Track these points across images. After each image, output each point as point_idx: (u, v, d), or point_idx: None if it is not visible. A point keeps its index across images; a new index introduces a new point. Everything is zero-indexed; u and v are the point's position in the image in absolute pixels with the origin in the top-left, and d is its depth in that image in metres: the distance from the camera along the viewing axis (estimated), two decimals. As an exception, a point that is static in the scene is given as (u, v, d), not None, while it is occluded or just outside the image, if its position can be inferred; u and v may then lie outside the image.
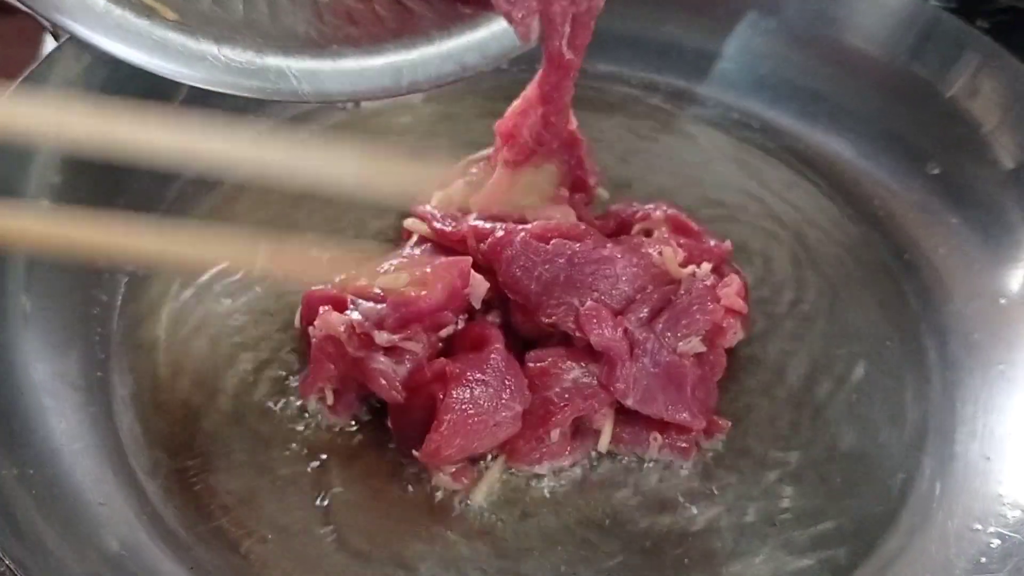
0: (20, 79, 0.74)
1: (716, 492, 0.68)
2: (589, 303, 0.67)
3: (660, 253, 0.72)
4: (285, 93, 0.56)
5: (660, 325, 0.68)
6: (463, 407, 0.64)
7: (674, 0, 0.98)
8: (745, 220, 0.86)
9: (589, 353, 0.68)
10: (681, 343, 0.68)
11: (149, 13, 0.53)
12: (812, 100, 0.95)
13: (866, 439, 0.71)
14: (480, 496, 0.67)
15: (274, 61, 0.55)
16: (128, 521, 0.63)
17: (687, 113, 0.96)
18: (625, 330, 0.67)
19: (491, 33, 0.60)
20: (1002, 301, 0.77)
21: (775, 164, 0.92)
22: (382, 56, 0.57)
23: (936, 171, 0.87)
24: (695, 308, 0.68)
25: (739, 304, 0.71)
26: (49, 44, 0.90)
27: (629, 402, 0.67)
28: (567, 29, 0.63)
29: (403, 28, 0.58)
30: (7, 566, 0.55)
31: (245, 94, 0.54)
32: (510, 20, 0.60)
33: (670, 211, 0.78)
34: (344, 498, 0.66)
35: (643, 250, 0.72)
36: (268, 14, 0.57)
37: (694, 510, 0.67)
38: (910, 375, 0.76)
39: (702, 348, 0.69)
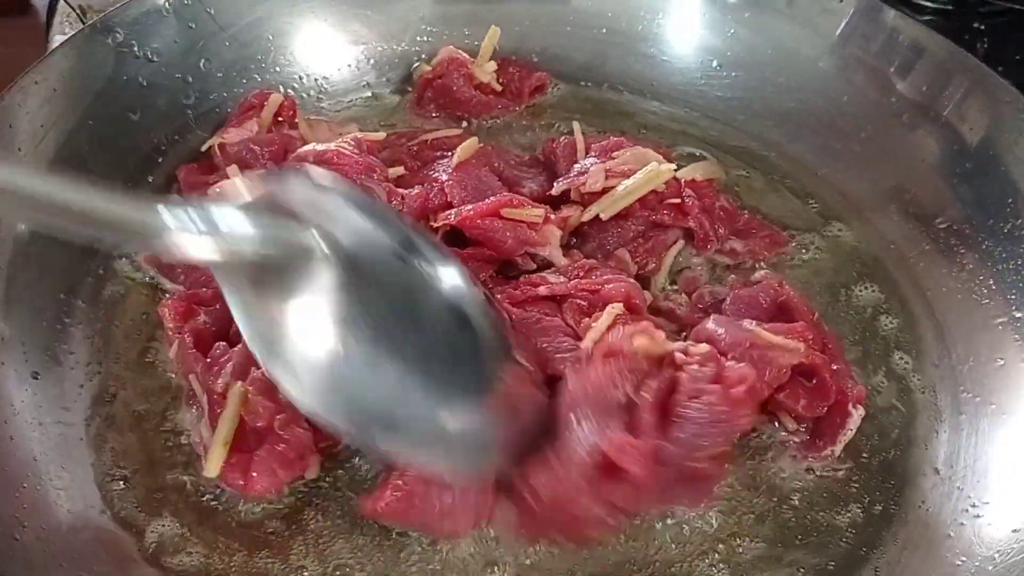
0: (21, 75, 0.74)
1: (715, 493, 0.67)
2: (619, 435, 0.61)
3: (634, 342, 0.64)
4: None
5: (676, 432, 0.61)
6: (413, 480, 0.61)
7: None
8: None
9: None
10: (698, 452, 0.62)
11: None
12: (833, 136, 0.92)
13: (863, 444, 0.71)
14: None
15: None
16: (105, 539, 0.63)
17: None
18: (653, 453, 0.61)
19: None
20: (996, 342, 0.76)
21: (780, 192, 0.90)
22: None
23: (944, 225, 0.83)
24: (708, 422, 0.61)
25: (750, 405, 0.64)
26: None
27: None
28: None
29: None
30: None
31: None
32: None
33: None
34: (332, 548, 0.64)
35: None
36: None
37: (693, 510, 0.66)
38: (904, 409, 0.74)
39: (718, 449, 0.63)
